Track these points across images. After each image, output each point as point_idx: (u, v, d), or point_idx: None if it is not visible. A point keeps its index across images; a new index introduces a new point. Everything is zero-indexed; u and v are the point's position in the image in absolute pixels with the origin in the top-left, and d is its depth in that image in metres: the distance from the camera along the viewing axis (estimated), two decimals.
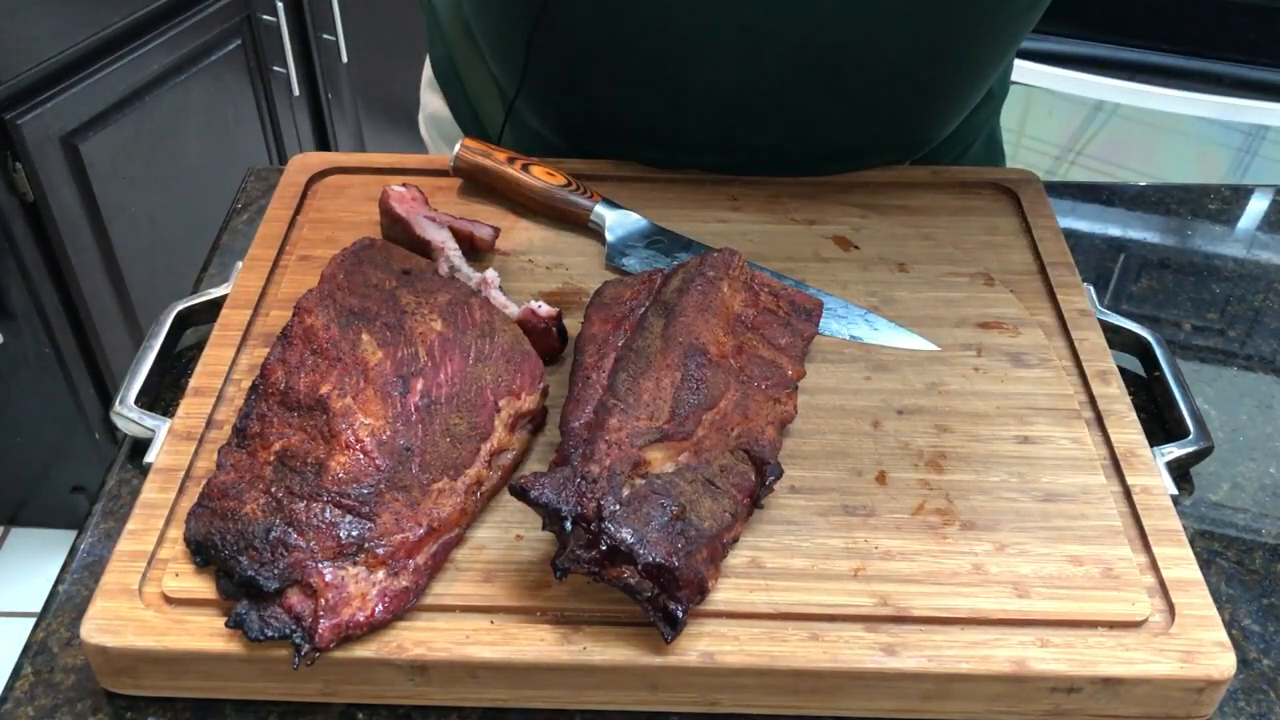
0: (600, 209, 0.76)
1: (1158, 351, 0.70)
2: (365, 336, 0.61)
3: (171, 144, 1.65)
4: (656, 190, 0.81)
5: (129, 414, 0.64)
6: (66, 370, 1.61)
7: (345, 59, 1.93)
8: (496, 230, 0.74)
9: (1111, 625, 0.54)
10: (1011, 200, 0.81)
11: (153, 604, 0.53)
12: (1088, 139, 1.90)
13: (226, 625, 0.51)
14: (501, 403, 0.59)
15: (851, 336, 0.69)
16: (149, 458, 0.61)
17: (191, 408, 0.63)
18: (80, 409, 1.66)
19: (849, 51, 0.72)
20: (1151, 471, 0.61)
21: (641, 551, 0.50)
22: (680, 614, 0.51)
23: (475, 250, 0.73)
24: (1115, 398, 0.65)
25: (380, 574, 0.52)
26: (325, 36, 1.89)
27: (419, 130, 1.03)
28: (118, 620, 0.52)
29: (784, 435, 0.61)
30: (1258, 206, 0.90)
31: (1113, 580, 0.55)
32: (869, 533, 0.57)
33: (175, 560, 0.55)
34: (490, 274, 0.68)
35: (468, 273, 0.68)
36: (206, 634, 0.52)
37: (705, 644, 0.52)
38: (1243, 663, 0.57)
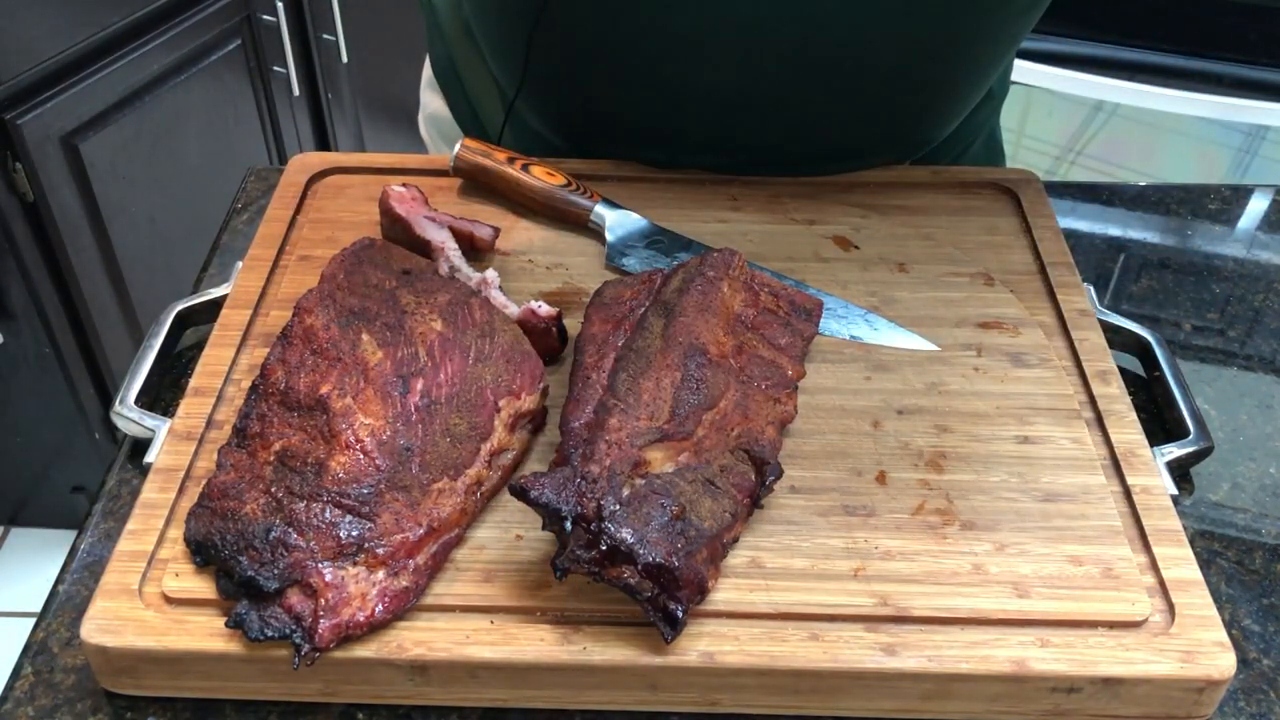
0: (600, 209, 0.76)
1: (1158, 351, 0.70)
2: (365, 336, 0.61)
3: (171, 144, 1.65)
4: (656, 190, 0.81)
5: (129, 414, 0.64)
6: (66, 370, 1.61)
7: (345, 59, 1.92)
8: (496, 230, 0.74)
9: (1111, 625, 0.54)
10: (1011, 200, 0.81)
11: (153, 604, 0.53)
12: (1088, 139, 1.90)
13: (226, 625, 0.51)
14: (501, 403, 0.59)
15: (851, 336, 0.69)
16: (149, 458, 0.61)
17: (191, 408, 0.63)
18: (80, 409, 1.66)
19: (849, 52, 0.72)
20: (1151, 471, 0.61)
21: (641, 551, 0.50)
22: (680, 614, 0.51)
23: (475, 250, 0.73)
24: (1115, 398, 0.65)
25: (380, 574, 0.52)
26: (325, 36, 1.89)
27: (419, 130, 1.03)
28: (118, 620, 0.52)
29: (784, 435, 0.61)
30: (1258, 206, 0.90)
31: (1113, 580, 0.55)
32: (869, 533, 0.57)
33: (175, 560, 0.55)
34: (490, 274, 0.68)
35: (468, 273, 0.68)
36: (206, 634, 0.52)
37: (705, 644, 0.52)
38: (1243, 663, 0.57)
